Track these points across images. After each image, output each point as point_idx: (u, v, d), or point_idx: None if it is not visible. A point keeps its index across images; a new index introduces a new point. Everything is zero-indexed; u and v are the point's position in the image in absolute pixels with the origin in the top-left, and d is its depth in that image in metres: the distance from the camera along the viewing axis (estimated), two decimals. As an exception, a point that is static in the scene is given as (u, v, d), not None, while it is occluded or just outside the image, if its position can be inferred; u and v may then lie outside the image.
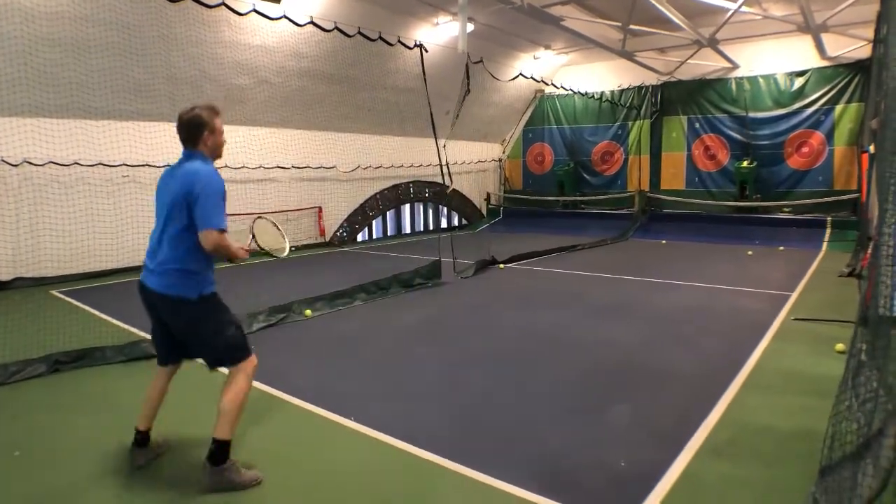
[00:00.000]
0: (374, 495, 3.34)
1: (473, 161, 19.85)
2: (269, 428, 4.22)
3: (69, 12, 9.04)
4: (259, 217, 3.96)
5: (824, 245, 13.87)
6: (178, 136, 3.53)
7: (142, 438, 3.69)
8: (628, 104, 18.39)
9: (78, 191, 10.52)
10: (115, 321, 7.40)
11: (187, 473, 3.54)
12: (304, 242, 14.39)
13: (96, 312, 7.89)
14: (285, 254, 3.91)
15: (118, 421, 4.43)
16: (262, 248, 3.77)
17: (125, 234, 11.18)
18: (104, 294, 9.23)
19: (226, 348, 3.44)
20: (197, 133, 3.49)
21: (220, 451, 3.34)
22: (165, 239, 3.37)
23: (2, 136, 9.49)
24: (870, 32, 11.62)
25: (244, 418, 4.20)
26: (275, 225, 3.95)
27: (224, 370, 3.51)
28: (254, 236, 3.74)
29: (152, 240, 3.48)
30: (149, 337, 6.30)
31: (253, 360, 3.51)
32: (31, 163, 9.83)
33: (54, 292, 9.30)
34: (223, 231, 3.29)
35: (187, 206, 3.27)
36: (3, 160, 9.53)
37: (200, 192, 3.25)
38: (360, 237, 16.39)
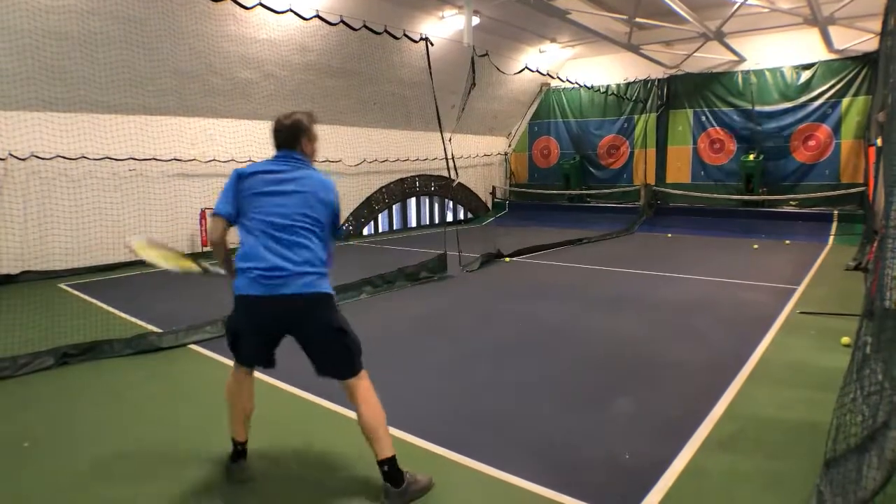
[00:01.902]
0: (375, 485, 3.36)
1: (479, 154, 19.83)
2: (274, 420, 4.24)
3: (76, 7, 9.06)
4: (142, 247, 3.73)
5: (831, 238, 13.83)
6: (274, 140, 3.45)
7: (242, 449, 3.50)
8: (634, 97, 18.32)
9: (85, 184, 10.57)
10: (122, 314, 7.45)
11: (190, 469, 3.57)
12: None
13: (104, 305, 7.94)
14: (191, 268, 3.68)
15: (126, 413, 4.48)
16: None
17: (132, 227, 11.23)
18: (112, 287, 9.29)
19: (355, 351, 3.31)
20: (298, 137, 3.41)
21: (393, 470, 3.18)
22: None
23: (10, 131, 9.53)
24: (877, 25, 11.51)
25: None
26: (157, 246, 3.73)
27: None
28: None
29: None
30: (156, 329, 6.40)
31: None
32: (38, 157, 9.88)
33: (62, 286, 9.36)
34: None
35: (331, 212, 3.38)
36: (10, 154, 9.59)
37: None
38: (365, 231, 16.41)
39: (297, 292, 3.10)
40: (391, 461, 3.17)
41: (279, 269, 3.10)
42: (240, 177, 3.28)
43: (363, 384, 3.26)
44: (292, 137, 3.37)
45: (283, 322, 3.22)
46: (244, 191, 3.25)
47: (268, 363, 3.42)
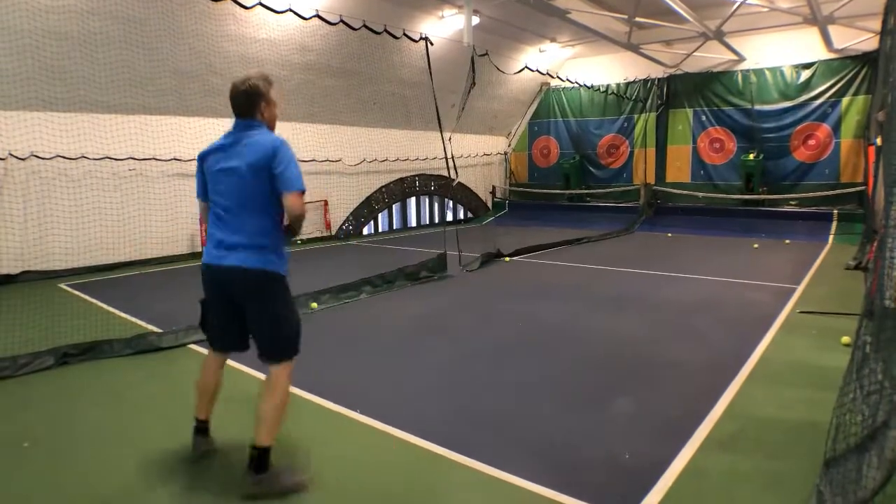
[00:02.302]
0: (381, 487, 3.37)
1: (479, 154, 19.83)
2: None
3: (76, 7, 9.06)
4: None
5: (830, 238, 13.83)
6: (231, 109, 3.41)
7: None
8: (634, 97, 18.32)
9: (85, 184, 10.57)
10: (122, 314, 7.45)
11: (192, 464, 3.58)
12: (310, 236, 14.42)
13: (104, 305, 7.94)
14: None
15: (126, 413, 4.48)
16: None
17: (132, 227, 11.24)
18: (111, 287, 9.29)
19: (286, 339, 3.38)
20: (254, 103, 3.36)
21: (262, 458, 3.26)
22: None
23: (9, 130, 9.53)
24: (877, 24, 11.50)
25: (251, 411, 4.25)
26: None
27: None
28: None
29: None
30: (156, 329, 6.40)
31: (293, 364, 3.43)
32: (38, 156, 9.88)
33: (62, 285, 9.35)
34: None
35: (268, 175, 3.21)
36: (10, 154, 9.59)
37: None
38: (365, 230, 16.41)
39: (237, 265, 3.24)
40: (265, 451, 3.25)
41: (223, 243, 3.28)
42: (201, 159, 3.48)
43: (282, 373, 3.33)
44: (249, 104, 3.36)
45: (228, 291, 3.35)
46: (206, 172, 3.44)
47: (233, 341, 3.56)
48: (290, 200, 3.17)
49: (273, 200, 3.24)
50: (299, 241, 14.05)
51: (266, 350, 3.35)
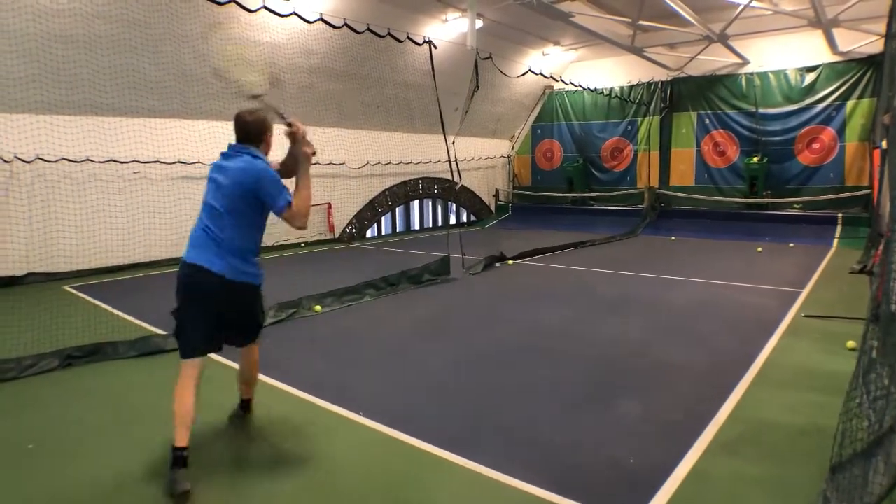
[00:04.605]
0: (383, 490, 3.37)
1: (482, 157, 19.83)
2: (277, 422, 4.24)
3: (81, 9, 9.09)
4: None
5: (835, 242, 13.78)
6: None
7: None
8: (638, 100, 18.31)
9: (90, 187, 10.60)
10: (126, 316, 7.46)
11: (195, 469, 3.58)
12: (314, 238, 14.44)
13: (108, 307, 7.95)
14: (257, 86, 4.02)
15: (130, 415, 4.48)
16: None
17: (136, 229, 11.26)
18: (116, 289, 9.31)
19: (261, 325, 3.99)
20: (261, 132, 3.75)
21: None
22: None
23: (15, 133, 9.56)
24: (882, 27, 11.52)
25: (257, 414, 4.26)
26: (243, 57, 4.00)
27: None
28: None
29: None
30: (160, 332, 6.41)
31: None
32: (43, 159, 9.91)
33: (66, 287, 9.38)
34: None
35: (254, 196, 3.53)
36: (16, 157, 9.62)
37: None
38: (369, 233, 16.41)
39: (219, 272, 3.48)
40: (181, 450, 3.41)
41: (199, 243, 3.54)
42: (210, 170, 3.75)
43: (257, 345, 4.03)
44: (257, 132, 3.73)
45: (210, 293, 3.52)
46: (208, 183, 3.71)
47: (212, 344, 3.67)
48: (285, 217, 3.53)
49: (259, 219, 3.64)
50: (302, 244, 14.07)
51: (248, 339, 3.94)
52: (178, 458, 3.35)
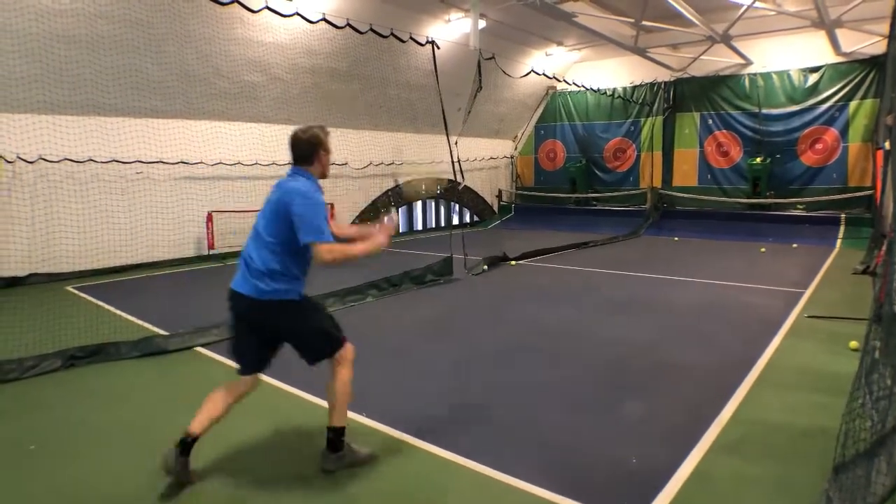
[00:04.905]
0: (387, 490, 3.36)
1: (485, 158, 19.83)
2: (280, 423, 4.24)
3: (84, 9, 9.11)
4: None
5: (838, 242, 13.76)
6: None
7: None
8: (641, 101, 18.30)
9: (92, 187, 10.61)
10: (129, 317, 7.46)
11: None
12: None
13: (111, 308, 7.96)
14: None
15: (132, 416, 4.48)
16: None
17: (139, 230, 11.28)
18: (118, 290, 9.31)
19: (318, 343, 3.60)
20: (313, 152, 3.56)
21: (337, 438, 3.59)
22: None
23: (18, 133, 9.58)
24: (885, 28, 11.50)
25: (256, 411, 4.25)
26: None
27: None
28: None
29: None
30: (163, 332, 6.42)
31: (349, 348, 3.65)
32: (46, 159, 9.93)
33: (69, 288, 9.39)
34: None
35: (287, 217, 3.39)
36: (18, 157, 9.64)
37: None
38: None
39: (247, 293, 3.43)
40: (338, 430, 3.58)
41: (241, 268, 3.51)
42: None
43: (334, 365, 3.59)
44: (310, 151, 3.56)
45: (244, 315, 3.52)
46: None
47: (252, 366, 3.63)
48: (313, 250, 3.39)
49: (290, 242, 3.41)
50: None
51: (307, 358, 3.61)
52: (182, 442, 3.42)
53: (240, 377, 3.62)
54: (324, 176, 3.66)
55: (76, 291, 9.15)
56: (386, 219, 3.72)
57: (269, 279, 3.41)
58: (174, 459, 3.35)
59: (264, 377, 3.92)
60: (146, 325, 7.04)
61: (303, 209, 3.34)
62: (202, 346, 6.10)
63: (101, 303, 8.30)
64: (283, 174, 3.58)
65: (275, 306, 3.44)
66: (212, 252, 12.19)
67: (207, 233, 12.14)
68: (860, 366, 3.02)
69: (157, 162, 11.39)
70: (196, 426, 3.45)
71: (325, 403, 3.74)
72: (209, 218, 12.10)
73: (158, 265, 11.40)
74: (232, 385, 3.61)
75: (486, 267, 10.15)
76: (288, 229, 3.38)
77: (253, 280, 3.42)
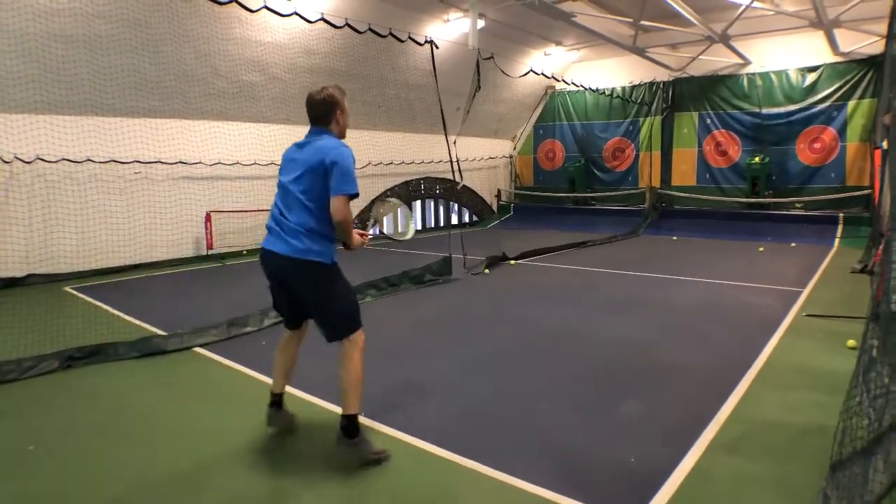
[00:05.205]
0: (386, 490, 3.36)
1: (484, 157, 19.84)
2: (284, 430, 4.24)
3: (82, 10, 9.10)
4: (381, 201, 4.17)
5: (836, 241, 13.78)
6: (307, 115, 3.72)
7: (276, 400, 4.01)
8: (639, 100, 18.31)
9: (90, 188, 10.60)
10: (127, 317, 7.46)
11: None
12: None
13: (109, 308, 7.95)
14: (409, 236, 4.15)
15: (131, 416, 4.48)
16: (383, 233, 3.91)
17: (138, 230, 11.27)
18: (117, 290, 9.31)
19: (339, 318, 3.66)
20: (330, 112, 3.65)
21: (351, 424, 3.60)
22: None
23: (15, 133, 9.56)
24: (883, 28, 11.52)
25: (257, 414, 4.25)
26: (396, 206, 4.04)
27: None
28: (375, 221, 3.90)
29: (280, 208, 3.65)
30: (161, 332, 6.41)
31: (363, 336, 3.74)
32: (43, 160, 9.91)
33: (67, 289, 9.38)
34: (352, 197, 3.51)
35: (322, 174, 3.47)
36: (16, 157, 9.62)
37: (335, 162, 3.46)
38: (371, 233, 16.35)
39: (283, 252, 3.52)
40: (352, 418, 3.61)
41: (274, 230, 3.61)
42: (282, 158, 3.76)
43: (349, 347, 3.65)
44: (325, 112, 3.66)
45: (277, 274, 3.66)
46: (280, 169, 3.73)
47: (292, 320, 3.93)
48: (333, 204, 3.45)
49: (324, 197, 3.48)
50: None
51: (325, 332, 3.68)
52: (272, 402, 3.97)
53: (288, 331, 3.96)
54: (342, 136, 3.73)
55: (74, 292, 9.14)
56: (370, 229, 3.97)
57: (306, 238, 3.50)
58: (274, 415, 3.95)
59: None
60: (145, 325, 7.03)
61: (341, 161, 3.45)
62: (201, 346, 6.10)
63: (99, 303, 8.30)
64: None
65: (310, 267, 3.53)
66: (210, 252, 12.19)
67: (206, 233, 12.14)
68: (857, 364, 3.02)
69: (156, 162, 11.38)
70: (276, 386, 3.96)
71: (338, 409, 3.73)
72: (208, 218, 12.09)
73: (157, 265, 11.39)
74: (284, 340, 3.97)
75: (486, 270, 10.13)
76: (322, 185, 3.46)
77: (288, 238, 3.51)
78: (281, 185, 3.64)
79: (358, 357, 3.64)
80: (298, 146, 3.65)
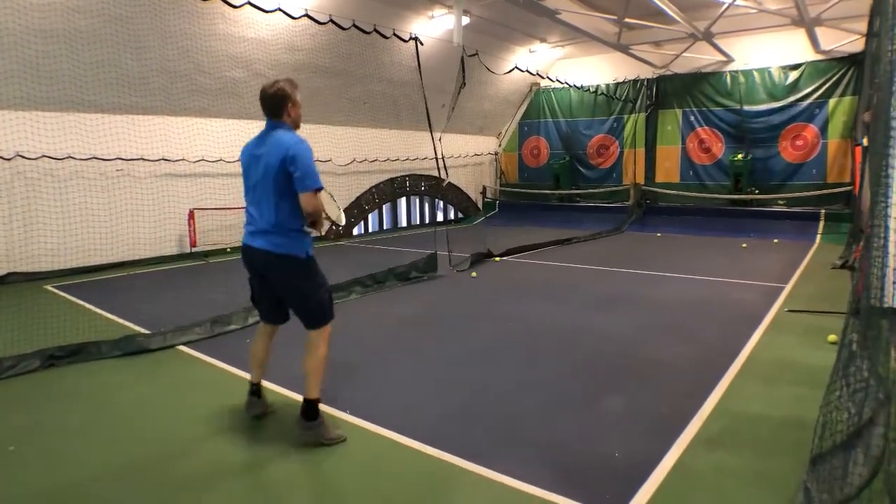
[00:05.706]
0: (368, 487, 3.36)
1: (469, 154, 19.85)
2: (265, 421, 4.22)
3: (61, 4, 8.98)
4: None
5: (818, 237, 13.94)
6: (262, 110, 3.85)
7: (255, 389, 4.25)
8: (624, 97, 18.38)
9: (72, 185, 10.49)
10: (109, 315, 7.39)
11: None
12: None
13: (91, 307, 7.88)
14: (343, 222, 4.24)
15: (114, 415, 4.44)
16: (328, 217, 3.97)
17: (120, 228, 11.17)
18: (99, 288, 9.22)
19: (314, 311, 3.87)
20: (281, 105, 3.78)
21: (310, 408, 3.82)
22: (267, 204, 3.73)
23: (-5, 130, 9.45)
24: (863, 26, 11.61)
25: (239, 411, 4.24)
26: (331, 195, 4.11)
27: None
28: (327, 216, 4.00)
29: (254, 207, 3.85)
30: (144, 331, 6.36)
31: (329, 328, 3.95)
32: (23, 156, 9.79)
33: (48, 287, 9.28)
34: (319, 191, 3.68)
35: (285, 171, 3.62)
36: (-4, 154, 9.51)
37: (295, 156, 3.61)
38: (355, 231, 16.38)
39: (260, 247, 3.77)
40: (312, 402, 3.83)
41: (250, 226, 3.85)
42: (242, 156, 3.95)
43: (316, 336, 3.89)
44: (276, 106, 3.79)
45: (258, 268, 3.89)
46: (243, 167, 3.93)
47: (269, 315, 4.15)
48: (303, 200, 3.63)
49: (290, 191, 3.66)
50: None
51: (301, 320, 3.90)
52: (251, 390, 4.22)
53: (263, 324, 4.19)
54: (296, 126, 3.89)
55: (56, 290, 9.04)
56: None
57: (280, 233, 3.71)
58: (254, 403, 4.20)
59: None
60: (127, 323, 6.97)
61: (301, 157, 3.59)
62: (184, 344, 6.06)
63: (81, 302, 8.22)
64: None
65: (287, 261, 3.75)
66: (194, 250, 12.10)
67: (189, 230, 12.05)
68: (838, 359, 3.05)
69: (139, 159, 11.27)
70: (254, 377, 4.22)
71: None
72: (191, 215, 12.01)
73: (140, 263, 11.29)
74: (258, 334, 4.22)
75: (474, 274, 10.09)
76: (286, 182, 3.63)
77: (264, 234, 3.74)
78: (248, 184, 3.86)
79: (324, 346, 3.88)
80: (257, 141, 3.82)
